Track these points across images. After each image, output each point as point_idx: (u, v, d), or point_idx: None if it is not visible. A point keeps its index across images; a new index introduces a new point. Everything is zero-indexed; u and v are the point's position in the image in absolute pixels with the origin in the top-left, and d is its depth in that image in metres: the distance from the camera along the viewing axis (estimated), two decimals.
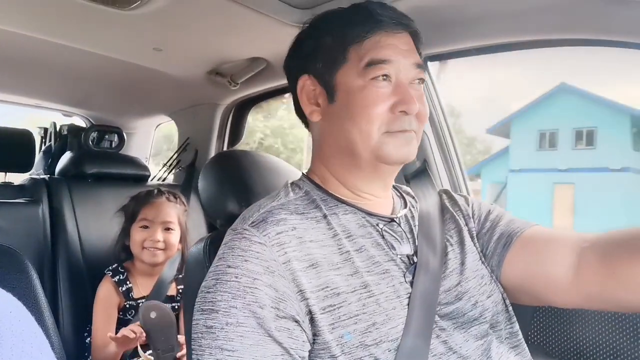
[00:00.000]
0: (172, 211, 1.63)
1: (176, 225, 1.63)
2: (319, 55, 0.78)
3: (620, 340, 1.00)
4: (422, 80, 0.79)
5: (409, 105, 0.74)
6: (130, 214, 1.64)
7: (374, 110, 0.74)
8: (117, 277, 1.58)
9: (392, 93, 0.74)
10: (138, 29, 1.35)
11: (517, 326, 0.82)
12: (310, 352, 0.67)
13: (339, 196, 0.79)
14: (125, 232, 1.63)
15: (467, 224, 0.87)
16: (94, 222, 1.77)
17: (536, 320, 1.13)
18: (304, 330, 0.66)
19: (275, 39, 1.30)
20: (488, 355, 0.74)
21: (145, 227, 1.59)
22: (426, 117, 0.79)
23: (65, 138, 2.31)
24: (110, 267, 1.60)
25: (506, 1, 1.03)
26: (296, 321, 0.65)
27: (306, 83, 0.80)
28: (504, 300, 0.82)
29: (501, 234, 0.83)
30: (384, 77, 0.74)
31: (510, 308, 0.82)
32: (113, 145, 2.30)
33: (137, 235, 1.59)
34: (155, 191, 1.67)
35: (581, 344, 1.06)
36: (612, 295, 0.72)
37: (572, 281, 0.75)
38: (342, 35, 0.76)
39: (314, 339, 0.67)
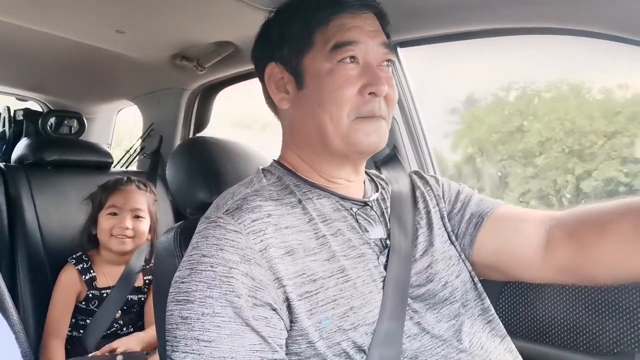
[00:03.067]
0: (142, 199, 1.61)
1: (146, 214, 1.61)
2: (285, 42, 0.78)
3: (580, 315, 1.05)
4: (390, 61, 0.78)
5: (378, 86, 0.73)
6: (98, 201, 1.60)
7: (343, 94, 0.73)
8: (81, 265, 1.55)
9: (360, 75, 0.74)
10: (100, 10, 1.29)
11: (487, 302, 0.84)
12: (288, 338, 0.67)
13: (312, 181, 0.79)
14: (93, 220, 1.60)
15: (437, 204, 0.88)
16: (54, 211, 1.71)
17: (502, 300, 1.17)
18: (282, 318, 0.66)
19: (244, 22, 1.27)
20: (459, 335, 0.76)
21: (114, 214, 1.57)
22: (395, 101, 0.78)
23: (21, 123, 2.21)
24: (73, 256, 1.56)
25: None
26: (273, 309, 0.65)
27: (274, 71, 0.80)
28: (472, 279, 0.84)
29: (472, 214, 0.86)
30: (352, 59, 0.74)
31: (479, 285, 0.85)
32: (73, 131, 2.21)
33: (105, 222, 1.56)
34: (125, 179, 1.65)
35: (544, 322, 1.10)
36: (579, 269, 0.76)
37: (542, 258, 0.78)
38: (308, 19, 0.76)
39: (291, 326, 0.67)
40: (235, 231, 0.67)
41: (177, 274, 0.69)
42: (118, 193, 1.59)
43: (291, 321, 0.66)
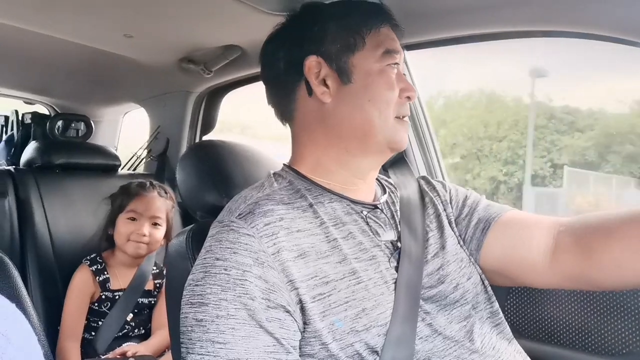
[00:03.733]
0: (162, 206, 1.62)
1: (163, 221, 1.62)
2: (331, 39, 0.79)
3: (589, 316, 1.05)
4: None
5: (412, 92, 0.81)
6: (118, 203, 1.62)
7: (390, 94, 0.79)
8: (95, 266, 1.56)
9: (397, 80, 0.80)
10: (108, 14, 1.30)
11: (496, 305, 0.85)
12: (301, 340, 0.67)
13: (324, 185, 0.80)
14: (111, 221, 1.61)
15: (445, 210, 0.89)
16: (63, 213, 1.73)
17: (510, 301, 1.18)
18: (295, 320, 0.66)
19: (251, 26, 1.28)
20: (471, 336, 0.76)
21: (133, 219, 1.58)
22: None
23: (29, 127, 2.24)
24: (88, 257, 1.58)
25: None
26: (287, 311, 0.66)
27: (312, 64, 0.79)
28: (483, 282, 0.85)
29: (479, 219, 0.86)
30: (395, 65, 0.80)
31: (489, 288, 0.86)
32: (80, 134, 2.23)
33: (123, 226, 1.57)
34: (148, 184, 1.66)
35: (552, 323, 1.11)
36: (586, 275, 0.77)
37: (549, 264, 0.79)
38: (360, 22, 0.79)
39: (304, 328, 0.67)
40: (248, 235, 0.68)
41: (190, 277, 0.70)
42: (139, 199, 1.60)
43: (304, 323, 0.67)
